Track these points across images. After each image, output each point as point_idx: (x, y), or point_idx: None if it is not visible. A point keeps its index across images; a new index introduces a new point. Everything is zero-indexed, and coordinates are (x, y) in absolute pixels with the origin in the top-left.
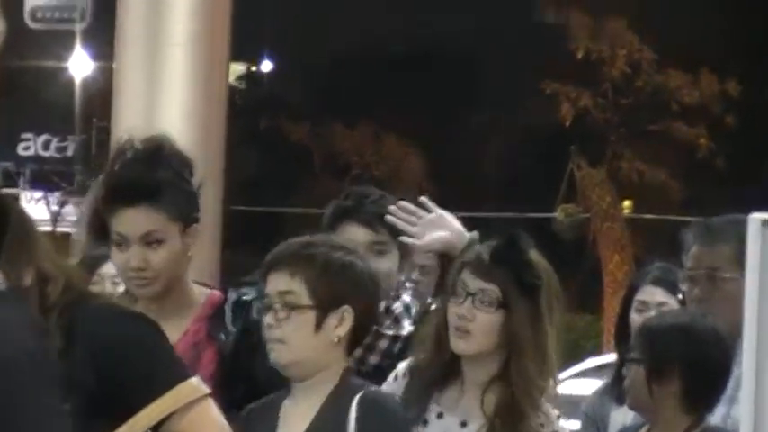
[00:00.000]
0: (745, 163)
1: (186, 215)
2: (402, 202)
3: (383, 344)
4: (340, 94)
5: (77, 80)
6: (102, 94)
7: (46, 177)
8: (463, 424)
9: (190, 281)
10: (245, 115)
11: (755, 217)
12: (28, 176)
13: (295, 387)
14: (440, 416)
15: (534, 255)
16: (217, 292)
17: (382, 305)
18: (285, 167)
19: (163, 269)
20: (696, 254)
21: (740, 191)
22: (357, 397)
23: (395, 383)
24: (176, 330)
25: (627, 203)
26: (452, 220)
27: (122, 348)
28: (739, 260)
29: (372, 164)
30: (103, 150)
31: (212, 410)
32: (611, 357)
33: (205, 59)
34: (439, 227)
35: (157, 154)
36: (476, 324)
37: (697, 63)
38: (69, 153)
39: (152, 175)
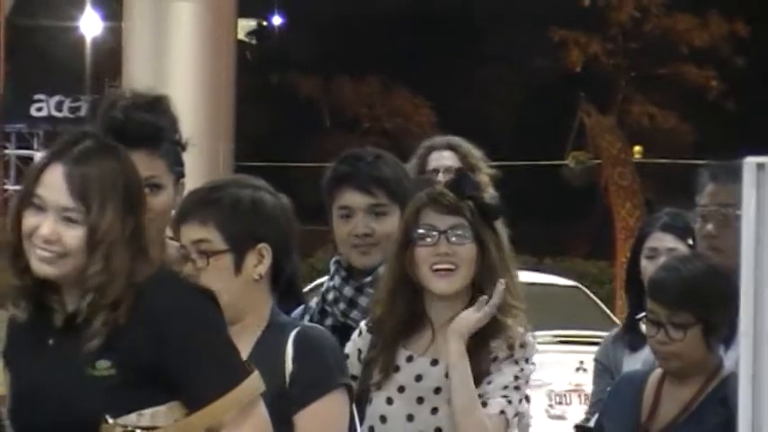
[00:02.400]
0: (757, 104)
1: (178, 167)
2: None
3: None
4: (349, 48)
5: (88, 40)
6: (113, 54)
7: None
8: (434, 362)
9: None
10: (256, 70)
11: (751, 161)
12: (41, 138)
13: None
14: (409, 359)
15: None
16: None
17: None
18: (296, 122)
19: (159, 213)
20: (711, 191)
21: (752, 132)
22: (292, 335)
23: (359, 339)
24: None
25: (637, 149)
26: None
27: (191, 330)
28: None
29: (382, 117)
30: None
31: (262, 408)
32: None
33: (213, 16)
34: None
35: (156, 103)
36: (458, 258)
37: (705, 5)
38: (82, 113)
39: (153, 121)
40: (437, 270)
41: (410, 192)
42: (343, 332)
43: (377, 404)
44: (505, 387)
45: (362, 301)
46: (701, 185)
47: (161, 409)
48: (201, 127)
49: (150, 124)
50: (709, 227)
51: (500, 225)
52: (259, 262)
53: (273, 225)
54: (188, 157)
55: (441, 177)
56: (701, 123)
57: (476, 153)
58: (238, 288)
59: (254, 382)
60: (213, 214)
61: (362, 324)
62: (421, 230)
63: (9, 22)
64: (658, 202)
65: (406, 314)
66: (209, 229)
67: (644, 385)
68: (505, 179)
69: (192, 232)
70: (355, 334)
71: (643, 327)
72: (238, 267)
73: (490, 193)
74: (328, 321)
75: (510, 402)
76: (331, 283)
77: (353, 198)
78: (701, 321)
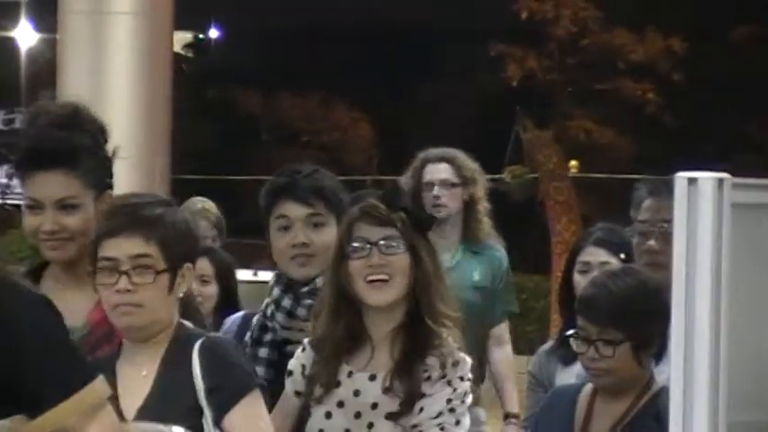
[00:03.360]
0: (694, 120)
1: (100, 182)
2: None
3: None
4: (288, 62)
5: (23, 51)
6: (48, 66)
7: None
8: (372, 377)
9: None
10: (193, 84)
11: (682, 176)
12: None
13: (130, 347)
14: (350, 374)
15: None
16: None
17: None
18: (234, 136)
19: (77, 232)
20: (650, 206)
21: (689, 147)
22: (196, 347)
23: (303, 355)
24: (89, 299)
25: (574, 163)
26: None
27: (38, 340)
28: None
29: (322, 131)
30: None
31: (111, 412)
32: None
33: (150, 29)
34: None
35: (74, 119)
36: (391, 269)
37: (642, 21)
38: (17, 125)
39: (69, 140)
40: (371, 281)
41: (346, 205)
42: (282, 347)
43: (315, 418)
44: (439, 414)
45: (300, 312)
46: (638, 200)
47: (4, 422)
48: (138, 140)
49: (64, 145)
50: (651, 242)
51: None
52: (183, 281)
53: (196, 246)
54: (124, 172)
55: (436, 191)
56: (639, 138)
57: (471, 165)
58: (168, 306)
59: (99, 386)
60: (157, 232)
61: (306, 341)
62: (354, 244)
63: None
64: (595, 217)
65: (347, 330)
66: (152, 245)
67: (576, 399)
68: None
69: (131, 246)
70: (299, 350)
71: (573, 343)
72: (171, 286)
73: (485, 206)
74: (268, 336)
75: (444, 429)
76: (270, 298)
77: (292, 209)
78: (630, 338)
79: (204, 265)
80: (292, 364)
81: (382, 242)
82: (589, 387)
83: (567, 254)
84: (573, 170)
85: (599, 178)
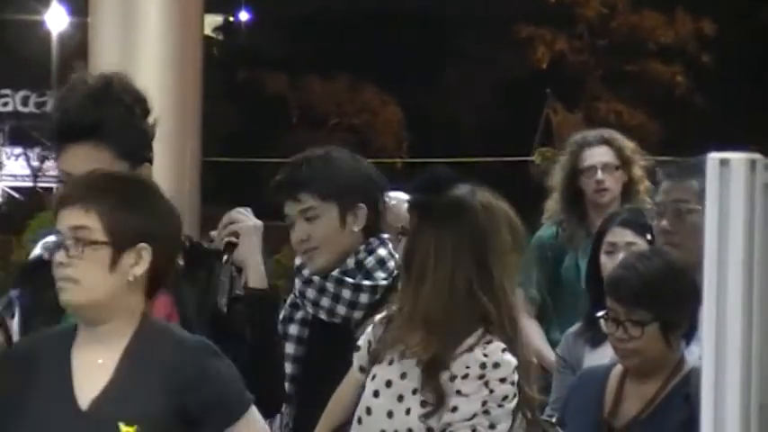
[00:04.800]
0: (724, 101)
1: (135, 153)
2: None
3: (346, 293)
4: (317, 45)
5: (54, 35)
6: (79, 49)
7: (25, 133)
8: (419, 363)
9: None
10: (223, 67)
11: (714, 156)
12: (7, 132)
13: (86, 332)
14: (402, 355)
15: (455, 190)
16: None
17: (352, 259)
18: (263, 119)
19: None
20: (665, 188)
21: (719, 129)
22: (177, 344)
23: (371, 331)
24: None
25: None
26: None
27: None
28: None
29: (350, 113)
30: None
31: None
32: None
33: (180, 11)
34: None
35: (105, 90)
36: None
37: (671, 2)
38: (48, 108)
39: (96, 111)
40: None
41: (355, 186)
42: (313, 324)
43: (366, 395)
44: (473, 416)
45: (322, 299)
46: (658, 183)
47: None
48: (168, 123)
49: (90, 117)
50: (664, 222)
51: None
52: (136, 263)
53: (159, 227)
54: (155, 154)
55: (600, 175)
56: (668, 120)
57: (629, 145)
58: (110, 286)
59: None
60: (98, 202)
61: (376, 317)
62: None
63: None
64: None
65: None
66: (92, 217)
67: (606, 380)
68: (472, 175)
69: (71, 218)
70: (369, 327)
71: (603, 324)
72: (114, 264)
73: (645, 186)
74: (298, 314)
75: (474, 431)
76: (300, 278)
77: (287, 207)
78: (658, 318)
79: None
80: (361, 340)
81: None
82: (619, 368)
83: (594, 236)
84: None
85: None
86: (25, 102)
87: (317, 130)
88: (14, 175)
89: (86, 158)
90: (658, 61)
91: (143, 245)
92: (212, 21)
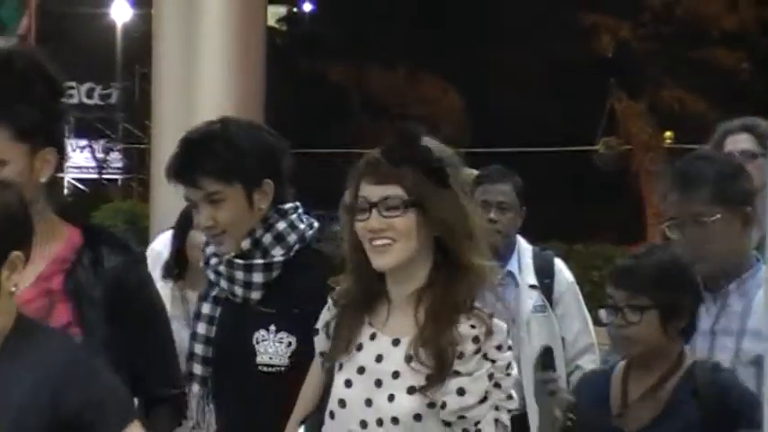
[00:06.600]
0: None
1: (35, 133)
2: None
3: (239, 274)
4: (378, 34)
5: (118, 27)
6: (143, 41)
7: (90, 125)
8: (396, 341)
9: (47, 212)
10: (286, 58)
11: None
12: (72, 125)
13: None
14: (373, 337)
15: (429, 141)
16: (76, 231)
17: (248, 240)
18: (325, 109)
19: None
20: (676, 201)
21: None
22: (54, 346)
23: (328, 312)
24: (29, 271)
25: (668, 134)
26: None
27: None
28: (718, 198)
29: (411, 103)
30: (146, 97)
31: None
32: None
33: (242, 2)
34: None
35: (4, 63)
36: (394, 232)
37: None
38: (113, 101)
39: None
40: (375, 246)
41: (258, 163)
42: (223, 304)
43: (337, 387)
44: (486, 394)
45: (220, 281)
46: (663, 191)
47: None
48: (231, 113)
49: None
50: (684, 237)
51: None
52: (12, 272)
53: (27, 234)
54: None
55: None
56: (732, 107)
57: None
58: None
59: None
60: None
61: (330, 297)
62: (358, 203)
63: (40, 10)
64: None
65: (366, 287)
66: None
67: (609, 383)
68: (536, 165)
69: None
70: (325, 308)
71: (602, 313)
72: None
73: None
74: (213, 291)
75: (498, 409)
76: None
77: (188, 192)
78: (658, 306)
79: None
80: (319, 324)
81: (383, 203)
82: (620, 367)
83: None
84: (667, 141)
85: (692, 149)
86: (90, 94)
87: (379, 119)
88: (80, 167)
89: None
90: (723, 49)
91: (17, 254)
92: (275, 12)
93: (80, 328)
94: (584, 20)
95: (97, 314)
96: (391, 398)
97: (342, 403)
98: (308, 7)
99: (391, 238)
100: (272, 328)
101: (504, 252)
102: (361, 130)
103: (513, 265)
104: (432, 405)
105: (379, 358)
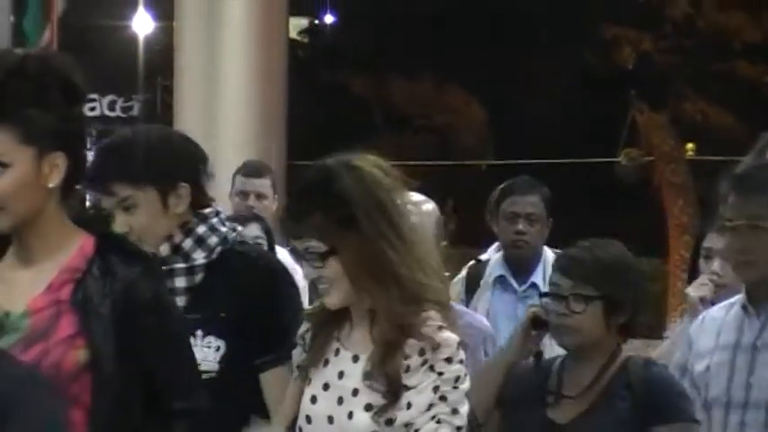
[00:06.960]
0: None
1: (44, 137)
2: None
3: (179, 281)
4: (400, 46)
5: (141, 39)
6: (165, 53)
7: None
8: (355, 358)
9: (60, 218)
10: (308, 70)
11: None
12: (95, 137)
13: None
14: (337, 352)
15: (344, 178)
16: (90, 240)
17: (166, 246)
18: (347, 121)
19: (8, 198)
20: (735, 205)
21: None
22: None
23: (304, 325)
24: (38, 281)
25: (690, 146)
26: None
27: None
28: None
29: (434, 114)
30: (168, 110)
31: None
32: None
33: (264, 14)
34: None
35: (17, 66)
36: (327, 278)
37: (758, 2)
38: (134, 113)
39: None
40: (319, 289)
41: (171, 166)
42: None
43: (305, 403)
44: (430, 406)
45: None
46: (723, 196)
47: None
48: (253, 125)
49: None
50: (739, 242)
51: (387, 209)
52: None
53: None
54: (240, 156)
55: None
56: (755, 120)
57: None
58: None
59: None
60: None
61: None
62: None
63: (62, 22)
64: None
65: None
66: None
67: (547, 375)
68: (557, 176)
69: None
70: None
71: (545, 302)
72: None
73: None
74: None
75: (440, 422)
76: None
77: (104, 201)
78: (602, 297)
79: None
80: (297, 336)
81: (308, 255)
82: (557, 360)
83: (686, 236)
84: (689, 153)
85: (714, 161)
86: (112, 107)
87: (401, 131)
88: None
89: None
90: (745, 61)
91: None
92: (297, 24)
93: (85, 341)
94: (607, 32)
95: (104, 327)
96: (350, 415)
97: (308, 419)
98: (329, 19)
99: (328, 282)
100: (199, 333)
101: (530, 263)
102: (383, 141)
103: (537, 277)
104: (390, 422)
105: (341, 375)
